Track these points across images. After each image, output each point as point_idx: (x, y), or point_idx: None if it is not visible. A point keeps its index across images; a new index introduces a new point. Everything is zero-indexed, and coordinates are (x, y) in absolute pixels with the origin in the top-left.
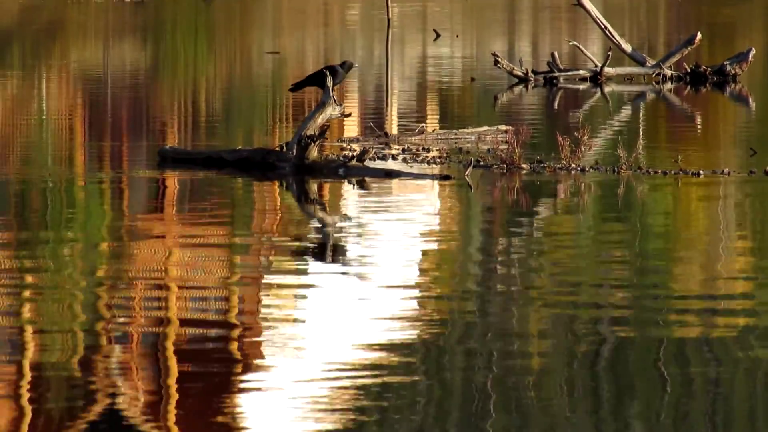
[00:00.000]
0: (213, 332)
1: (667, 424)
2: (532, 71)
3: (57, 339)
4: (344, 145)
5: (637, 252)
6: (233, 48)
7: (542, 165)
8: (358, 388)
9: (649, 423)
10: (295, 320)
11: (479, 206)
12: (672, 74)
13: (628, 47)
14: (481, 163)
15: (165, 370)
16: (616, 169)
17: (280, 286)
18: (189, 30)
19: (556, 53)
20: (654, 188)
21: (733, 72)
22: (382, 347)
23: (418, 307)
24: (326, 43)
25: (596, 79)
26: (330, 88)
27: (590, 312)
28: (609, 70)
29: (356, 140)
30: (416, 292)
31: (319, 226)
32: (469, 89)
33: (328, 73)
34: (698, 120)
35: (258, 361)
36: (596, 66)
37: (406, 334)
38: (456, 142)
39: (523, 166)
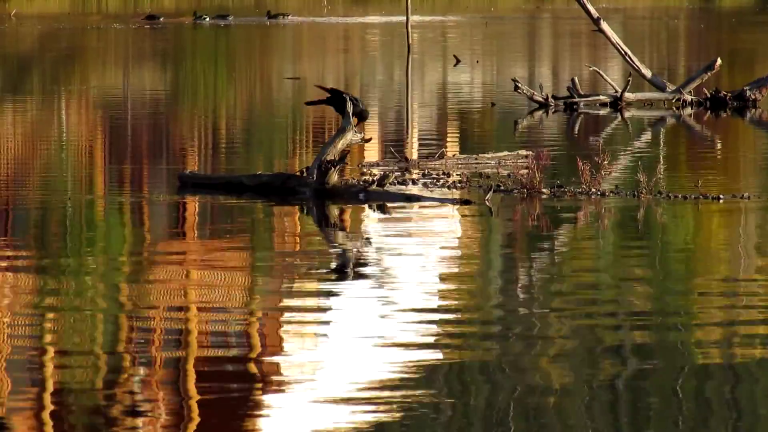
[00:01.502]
0: (233, 356)
1: None
2: (552, 96)
3: (77, 362)
4: (365, 170)
5: (658, 276)
6: (253, 73)
7: (562, 190)
8: (377, 410)
9: None
10: (315, 344)
11: (499, 231)
12: (692, 99)
13: (648, 73)
14: (502, 188)
15: (185, 393)
16: (636, 193)
17: (300, 310)
18: (209, 55)
19: (576, 78)
20: (674, 213)
21: (753, 97)
22: (402, 370)
23: (439, 331)
24: (346, 68)
25: (616, 104)
26: (350, 114)
27: (611, 336)
28: (629, 96)
29: (377, 165)
30: (437, 316)
31: (340, 251)
32: (490, 114)
33: (348, 99)
34: (718, 145)
35: (278, 385)
36: (616, 91)
37: (427, 357)
38: (476, 167)
39: (544, 190)
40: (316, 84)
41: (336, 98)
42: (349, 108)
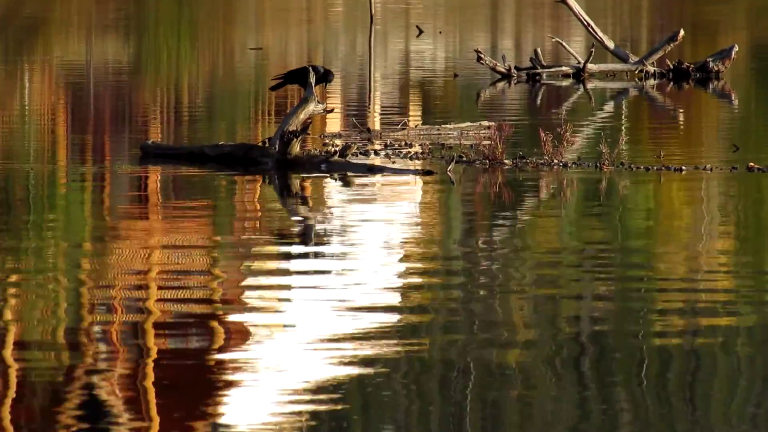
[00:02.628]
0: (195, 326)
1: (650, 416)
2: (515, 67)
3: (37, 327)
4: (327, 140)
5: (619, 247)
6: (216, 44)
7: (525, 161)
8: (339, 378)
9: (634, 413)
10: (276, 312)
11: (461, 201)
12: (655, 71)
13: (611, 44)
14: (464, 159)
15: (145, 364)
16: (598, 165)
17: (261, 281)
18: (172, 25)
19: (539, 50)
20: (636, 184)
21: (716, 69)
22: (363, 338)
23: (400, 299)
24: (309, 39)
25: (579, 75)
26: (312, 84)
27: (572, 305)
28: (592, 67)
29: (339, 136)
30: (398, 285)
31: (302, 220)
32: (452, 85)
33: (310, 69)
34: (681, 116)
35: (239, 351)
36: (579, 62)
37: (388, 325)
38: (439, 138)
39: (506, 161)
40: (273, 78)
41: (296, 75)
42: (312, 78)
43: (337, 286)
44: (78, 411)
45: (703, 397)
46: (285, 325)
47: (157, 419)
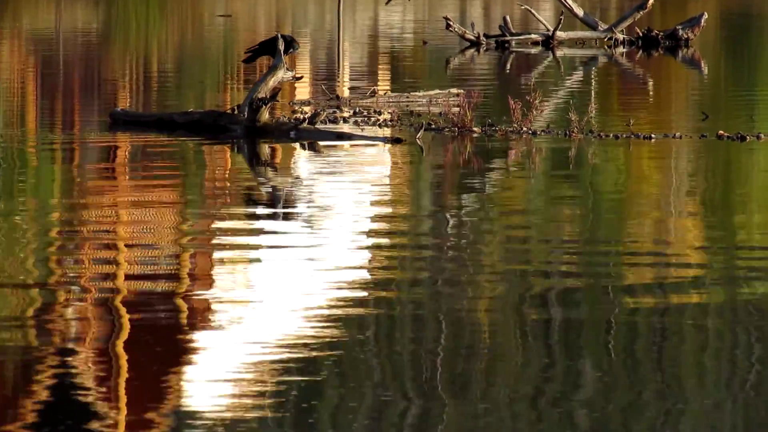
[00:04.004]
0: (163, 293)
1: (618, 379)
2: (484, 35)
3: (8, 294)
4: (296, 107)
5: (588, 214)
6: (185, 11)
7: (494, 128)
8: (309, 343)
9: (601, 379)
10: (245, 281)
11: (430, 169)
12: (624, 38)
13: (580, 11)
14: (433, 126)
15: (116, 330)
16: (567, 132)
17: (230, 248)
18: None
19: (508, 17)
20: (605, 151)
21: (685, 36)
22: (332, 305)
23: (369, 265)
24: (278, 6)
25: (548, 43)
26: (281, 52)
27: (541, 271)
28: (561, 34)
29: (308, 103)
30: (367, 252)
31: (270, 188)
32: (421, 53)
33: (279, 36)
34: (650, 84)
35: (207, 319)
36: (548, 30)
37: (356, 293)
38: (407, 106)
39: (475, 129)
40: (245, 51)
41: (267, 46)
42: (281, 45)
43: (306, 248)
44: (49, 381)
45: (670, 360)
46: (251, 294)
47: (124, 384)
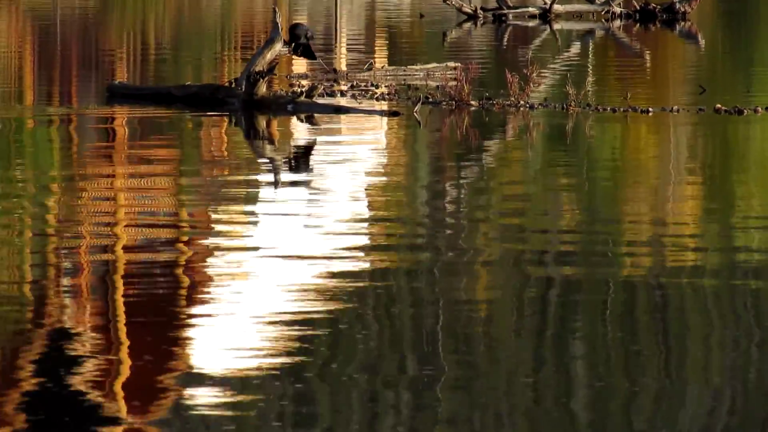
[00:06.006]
0: (162, 265)
1: (613, 359)
2: (481, 8)
3: (5, 273)
4: (293, 81)
5: (586, 189)
6: None
7: (491, 102)
8: (307, 317)
9: (593, 356)
10: (242, 250)
11: (428, 142)
12: (621, 12)
13: None
14: (430, 100)
15: (113, 302)
16: (564, 106)
17: (228, 221)
18: None
19: None
20: (603, 125)
21: (682, 10)
22: (331, 276)
23: (366, 242)
24: None
25: (545, 16)
26: (279, 24)
27: (539, 247)
28: (558, 8)
29: (305, 76)
30: (364, 227)
31: (268, 161)
32: (418, 26)
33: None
34: (647, 58)
35: (205, 298)
36: (545, 3)
37: (355, 264)
38: (405, 79)
39: (472, 102)
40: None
41: (291, 37)
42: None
43: (303, 225)
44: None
45: (671, 333)
46: (248, 265)
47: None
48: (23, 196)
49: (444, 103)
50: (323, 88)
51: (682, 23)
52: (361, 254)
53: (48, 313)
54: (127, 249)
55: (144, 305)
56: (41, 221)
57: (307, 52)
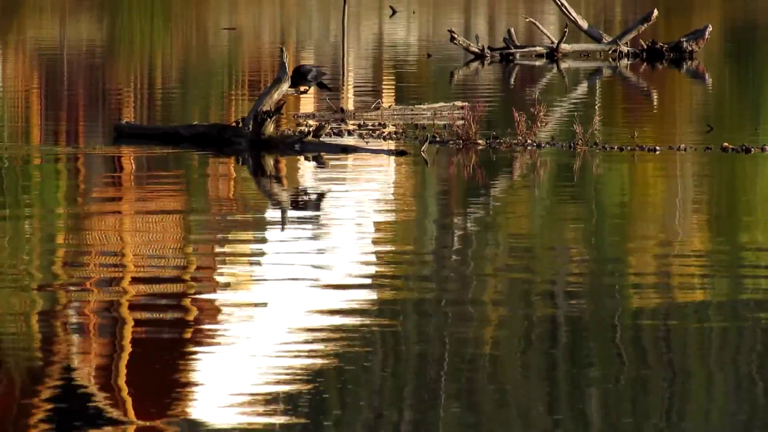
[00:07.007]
0: (169, 301)
1: (623, 396)
2: (489, 48)
3: (13, 303)
4: (300, 120)
5: (593, 227)
6: (189, 24)
7: (498, 141)
8: (313, 353)
9: (605, 396)
10: (250, 289)
11: (435, 182)
12: (628, 51)
13: (584, 24)
14: (437, 139)
15: (120, 338)
16: (572, 144)
17: (235, 260)
18: (145, 5)
19: (512, 30)
20: (610, 164)
21: (689, 49)
22: (337, 313)
23: (373, 277)
24: (282, 19)
25: (552, 55)
26: (286, 64)
27: (546, 286)
28: (565, 47)
29: (312, 116)
30: (372, 265)
31: (276, 201)
32: (426, 65)
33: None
34: (654, 96)
35: (213, 330)
36: (552, 42)
37: (363, 303)
38: (412, 118)
39: (479, 141)
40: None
41: (295, 75)
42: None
43: (311, 264)
44: (56, 390)
45: (679, 371)
46: (256, 304)
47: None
48: (30, 237)
49: (451, 142)
50: (330, 128)
51: (690, 62)
52: (369, 291)
53: (53, 348)
54: (132, 307)
55: (149, 349)
56: (47, 261)
57: (321, 84)
